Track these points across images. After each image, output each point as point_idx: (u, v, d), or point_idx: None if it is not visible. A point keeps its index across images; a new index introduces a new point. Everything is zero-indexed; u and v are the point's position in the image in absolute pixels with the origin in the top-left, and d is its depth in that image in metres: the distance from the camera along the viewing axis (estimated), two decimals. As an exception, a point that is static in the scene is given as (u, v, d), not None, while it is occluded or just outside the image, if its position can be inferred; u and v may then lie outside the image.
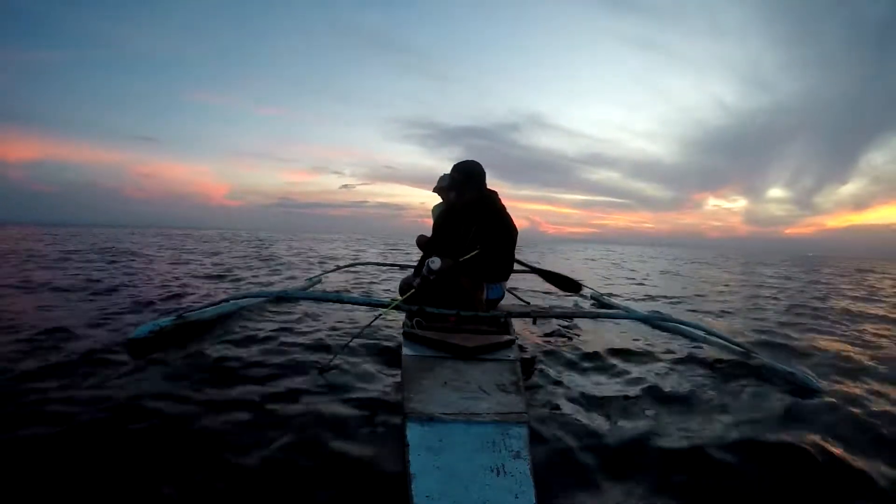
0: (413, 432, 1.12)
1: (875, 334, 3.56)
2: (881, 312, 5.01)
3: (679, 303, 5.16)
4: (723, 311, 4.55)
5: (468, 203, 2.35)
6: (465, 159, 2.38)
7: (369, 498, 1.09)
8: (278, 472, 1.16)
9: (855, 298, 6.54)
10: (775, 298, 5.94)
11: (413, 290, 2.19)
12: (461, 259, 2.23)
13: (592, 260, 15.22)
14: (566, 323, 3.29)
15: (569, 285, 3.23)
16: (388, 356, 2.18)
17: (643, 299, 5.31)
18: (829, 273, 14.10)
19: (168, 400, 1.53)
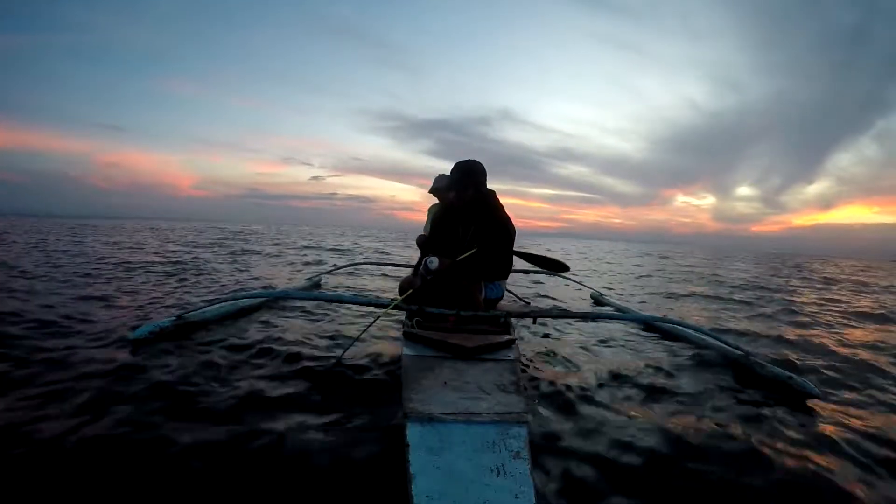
0: (413, 432, 1.12)
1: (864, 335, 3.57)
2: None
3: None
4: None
5: (467, 202, 2.35)
6: (466, 158, 2.38)
7: (369, 498, 1.09)
8: (278, 472, 1.16)
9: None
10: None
11: (411, 291, 2.19)
12: (459, 258, 2.23)
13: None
14: (566, 323, 3.28)
15: (556, 266, 3.19)
16: (388, 356, 2.18)
17: (642, 301, 5.32)
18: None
19: (168, 400, 1.53)
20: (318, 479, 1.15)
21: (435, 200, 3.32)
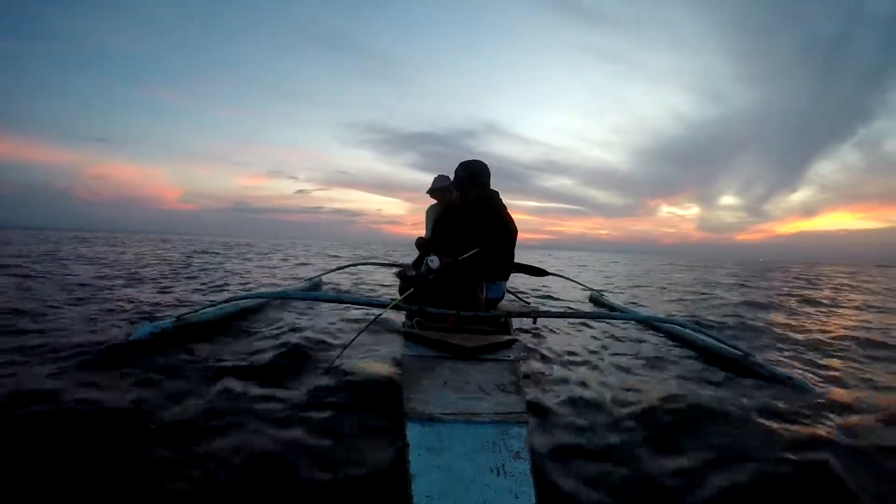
0: (413, 432, 1.12)
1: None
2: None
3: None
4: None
5: (470, 202, 2.35)
6: (471, 159, 2.37)
7: (369, 498, 1.09)
8: (278, 473, 1.16)
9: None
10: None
11: (412, 290, 2.19)
12: (461, 257, 2.23)
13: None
14: (566, 323, 3.29)
15: (535, 272, 3.49)
16: (388, 356, 2.18)
17: (641, 301, 5.32)
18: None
19: (167, 401, 1.53)
20: (318, 479, 1.15)
21: (432, 201, 3.33)
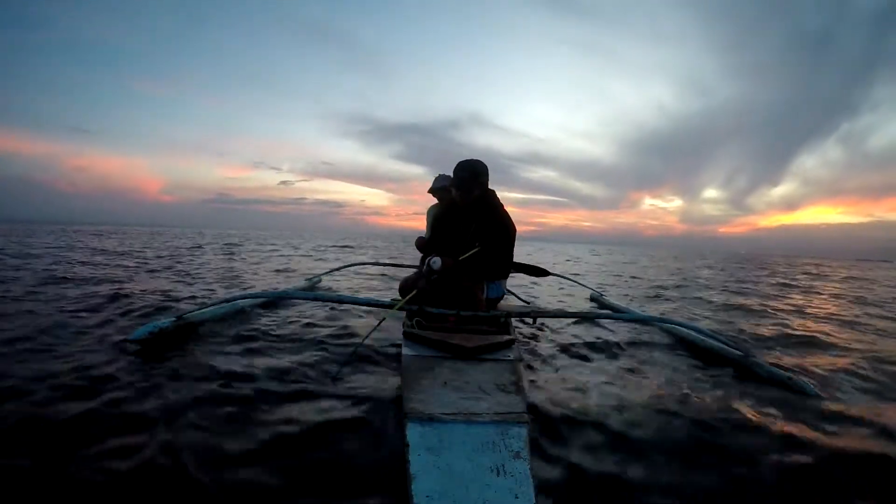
0: (413, 432, 1.12)
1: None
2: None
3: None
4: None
5: (470, 201, 2.36)
6: (469, 158, 2.38)
7: (369, 498, 1.09)
8: (278, 473, 1.16)
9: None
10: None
11: (415, 292, 2.19)
12: (461, 258, 2.23)
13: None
14: (566, 323, 3.28)
15: (537, 272, 3.46)
16: (388, 356, 2.18)
17: (643, 301, 5.32)
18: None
19: (167, 401, 1.53)
20: (318, 479, 1.15)
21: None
